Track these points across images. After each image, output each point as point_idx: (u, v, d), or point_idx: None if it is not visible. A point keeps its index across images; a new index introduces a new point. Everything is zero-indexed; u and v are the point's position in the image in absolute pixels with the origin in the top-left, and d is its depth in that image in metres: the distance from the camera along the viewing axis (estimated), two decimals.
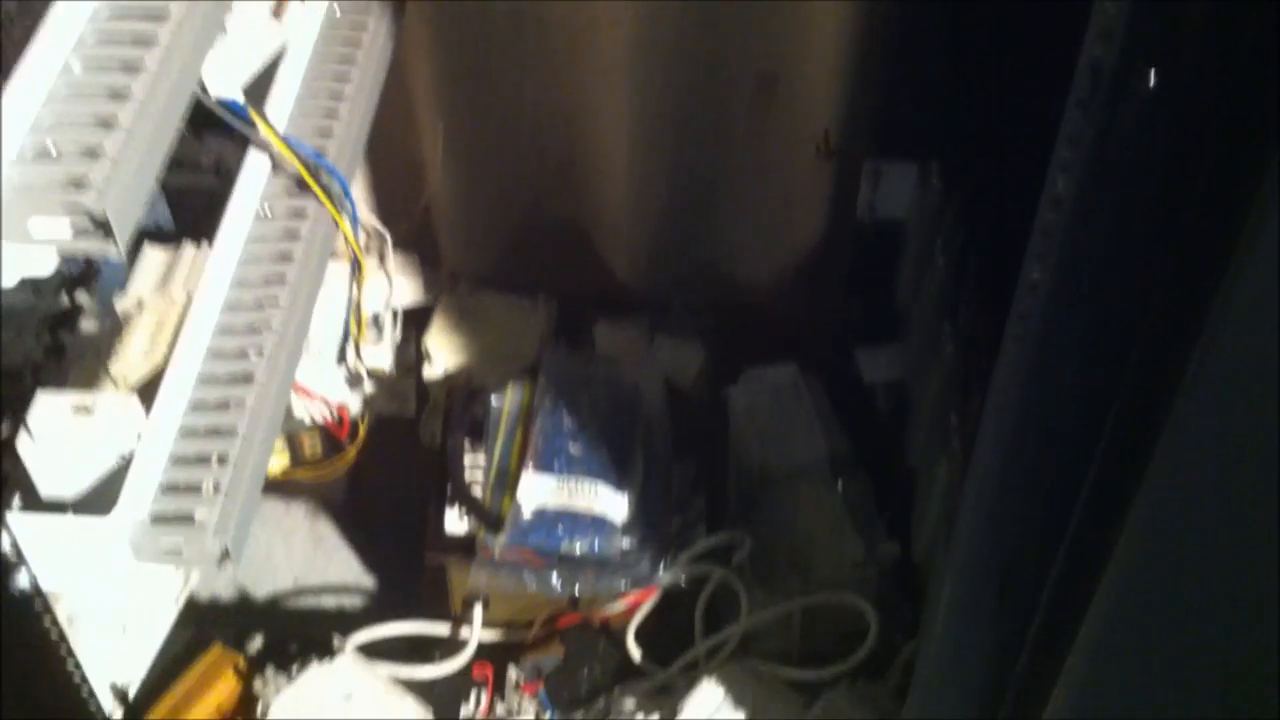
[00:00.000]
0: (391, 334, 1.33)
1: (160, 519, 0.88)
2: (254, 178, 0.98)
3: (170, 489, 0.90)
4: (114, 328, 1.00)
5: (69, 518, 0.88)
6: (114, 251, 0.67)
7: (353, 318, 1.12)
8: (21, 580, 0.84)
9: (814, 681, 1.21)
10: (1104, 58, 0.53)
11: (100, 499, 0.91)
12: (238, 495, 0.89)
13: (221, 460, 0.90)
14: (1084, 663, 0.74)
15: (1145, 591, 0.68)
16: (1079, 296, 0.62)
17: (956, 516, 0.81)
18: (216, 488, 0.89)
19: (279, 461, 1.38)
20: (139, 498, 0.88)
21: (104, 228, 0.67)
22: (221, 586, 1.50)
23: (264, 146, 0.97)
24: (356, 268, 1.07)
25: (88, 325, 1.10)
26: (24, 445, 0.91)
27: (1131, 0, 0.52)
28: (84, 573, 0.91)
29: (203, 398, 0.93)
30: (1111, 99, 0.53)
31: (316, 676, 1.20)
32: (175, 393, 0.91)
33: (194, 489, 0.90)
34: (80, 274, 1.12)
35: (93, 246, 0.68)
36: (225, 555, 0.89)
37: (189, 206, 1.08)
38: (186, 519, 0.88)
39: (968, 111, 1.14)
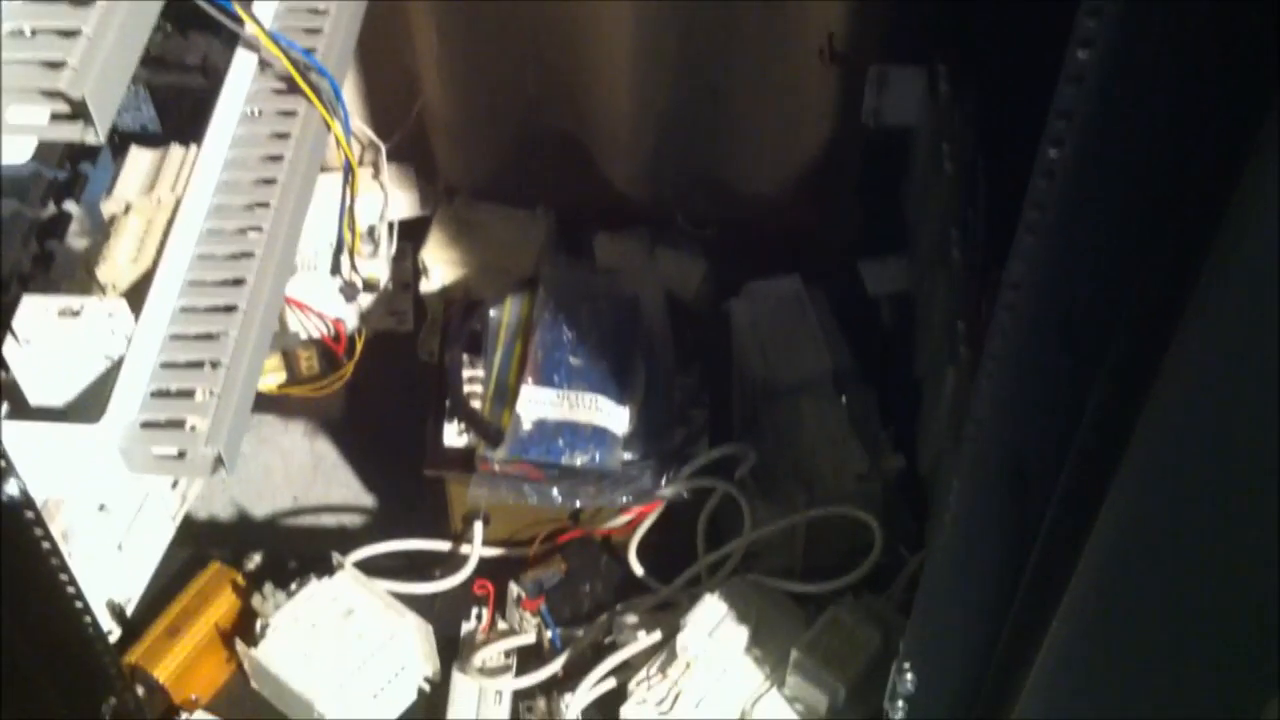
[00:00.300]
0: (387, 247, 1.31)
1: (151, 425, 0.87)
2: (241, 77, 0.95)
3: (161, 395, 0.88)
4: (102, 235, 0.98)
5: (57, 425, 0.86)
6: (93, 138, 0.65)
7: (346, 224, 1.09)
8: (10, 488, 0.82)
9: (817, 595, 1.20)
10: None
11: (90, 407, 0.89)
12: (230, 401, 0.87)
13: (214, 365, 0.88)
14: (1099, 560, 0.73)
15: (1164, 486, 0.67)
16: (1099, 178, 0.59)
17: (966, 419, 0.79)
18: (209, 393, 0.87)
19: (276, 378, 1.36)
20: (129, 404, 0.87)
21: (82, 113, 0.64)
22: (219, 506, 1.49)
23: (252, 45, 0.94)
24: (349, 172, 1.04)
25: (75, 233, 1.08)
26: (10, 351, 0.89)
27: None
28: (75, 482, 0.90)
29: (192, 303, 0.91)
30: None
31: (316, 592, 1.19)
32: (164, 297, 0.89)
33: (186, 395, 0.88)
34: (66, 181, 1.09)
35: (71, 133, 0.65)
36: (219, 463, 0.87)
37: (175, 107, 1.05)
38: (178, 425, 0.87)
39: (976, 10, 1.10)
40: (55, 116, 0.65)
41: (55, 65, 0.65)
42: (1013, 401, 0.71)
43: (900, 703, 0.97)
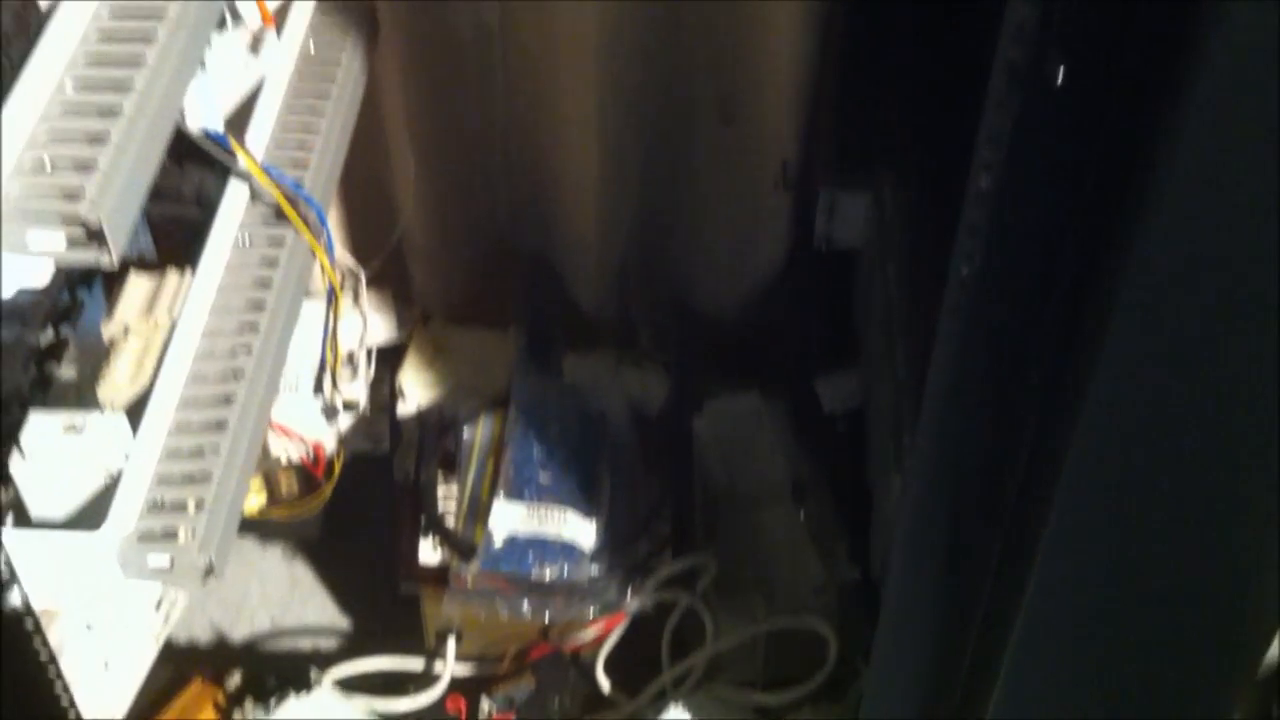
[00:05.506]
0: (366, 372, 1.36)
1: (147, 536, 0.91)
2: (234, 207, 1.02)
3: (156, 507, 0.92)
4: (100, 355, 1.03)
5: (59, 533, 0.91)
6: (107, 261, 0.71)
7: (329, 346, 1.15)
8: (13, 598, 0.86)
9: (776, 705, 1.25)
10: (1018, 58, 0.58)
11: (89, 517, 0.94)
12: (221, 512, 0.92)
13: (205, 479, 0.93)
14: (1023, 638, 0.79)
15: (1076, 572, 0.73)
16: (1003, 287, 0.67)
17: (904, 496, 0.85)
18: (199, 505, 0.92)
19: (256, 500, 1.40)
20: (126, 515, 0.91)
21: (98, 237, 0.71)
22: (199, 629, 1.51)
23: (244, 177, 1.02)
24: (332, 296, 1.11)
25: (73, 357, 1.13)
26: (16, 465, 0.94)
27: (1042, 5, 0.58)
28: (74, 591, 0.94)
29: (186, 419, 0.96)
30: (1025, 95, 0.59)
31: (295, 709, 1.22)
32: (160, 414, 0.95)
33: (179, 507, 0.93)
34: (65, 308, 1.15)
35: (87, 257, 0.72)
36: (209, 571, 0.92)
37: (172, 236, 1.11)
38: (171, 536, 0.92)
39: (916, 136, 1.18)
40: (73, 241, 0.72)
41: (73, 195, 0.72)
42: (945, 476, 0.78)
43: None
